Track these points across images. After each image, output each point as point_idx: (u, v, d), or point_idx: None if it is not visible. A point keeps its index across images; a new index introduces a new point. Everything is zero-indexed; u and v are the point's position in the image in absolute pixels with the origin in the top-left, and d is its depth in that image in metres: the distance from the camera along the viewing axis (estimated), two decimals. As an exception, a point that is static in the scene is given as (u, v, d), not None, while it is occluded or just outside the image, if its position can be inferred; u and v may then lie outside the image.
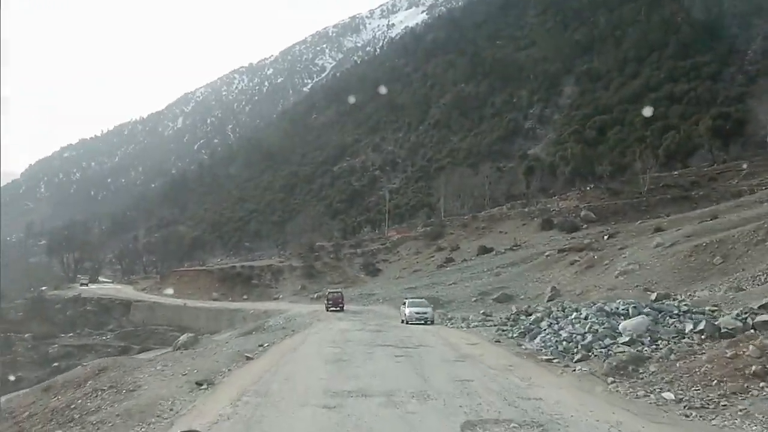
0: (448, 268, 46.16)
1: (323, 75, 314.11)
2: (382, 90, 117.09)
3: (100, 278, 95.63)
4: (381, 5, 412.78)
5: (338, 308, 38.33)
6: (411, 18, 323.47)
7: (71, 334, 54.32)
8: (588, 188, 57.89)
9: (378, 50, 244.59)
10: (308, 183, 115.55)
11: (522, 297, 31.30)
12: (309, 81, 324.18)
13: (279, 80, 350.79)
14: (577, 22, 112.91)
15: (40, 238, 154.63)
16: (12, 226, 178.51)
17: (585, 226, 47.16)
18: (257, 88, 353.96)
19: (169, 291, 63.88)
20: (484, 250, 48.36)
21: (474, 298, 33.03)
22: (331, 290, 42.45)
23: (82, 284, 79.38)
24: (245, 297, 57.20)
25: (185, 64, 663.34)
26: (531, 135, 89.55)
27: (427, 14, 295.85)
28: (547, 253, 37.96)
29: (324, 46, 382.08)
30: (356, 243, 71.67)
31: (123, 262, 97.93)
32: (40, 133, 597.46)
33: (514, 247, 46.33)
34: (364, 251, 66.27)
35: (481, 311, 27.39)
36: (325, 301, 40.99)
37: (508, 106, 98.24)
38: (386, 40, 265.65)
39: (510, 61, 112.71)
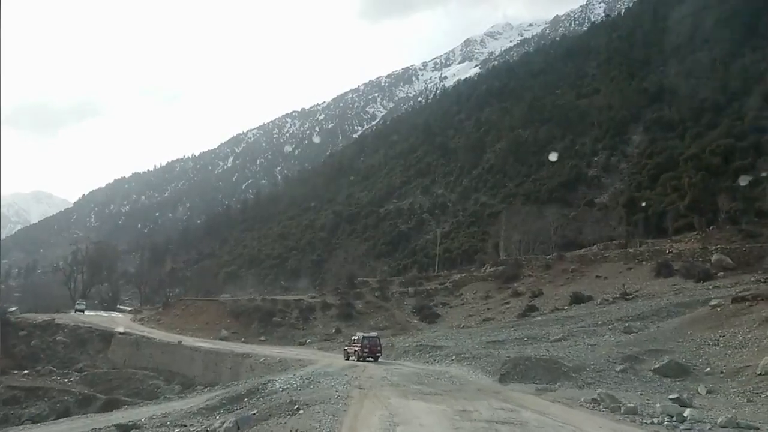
0: (536, 318, 36.93)
1: (374, 123, 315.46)
2: (434, 134, 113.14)
3: (120, 306, 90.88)
4: (434, 58, 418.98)
5: (373, 358, 31.22)
6: (463, 71, 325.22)
7: (27, 371, 42.00)
8: (710, 228, 48.39)
9: (430, 99, 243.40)
10: (351, 223, 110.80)
11: (706, 369, 20.69)
12: (359, 128, 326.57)
13: (330, 126, 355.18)
14: (644, 71, 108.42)
15: (83, 266, 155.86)
16: (60, 253, 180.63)
17: (720, 274, 37.68)
18: (308, 132, 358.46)
19: (167, 321, 55.41)
20: (579, 299, 39.85)
21: (619, 366, 21.89)
22: (365, 334, 33.12)
23: (77, 310, 71.88)
24: (263, 338, 47.53)
25: (240, 105, 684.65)
26: (595, 183, 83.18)
27: (480, 68, 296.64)
28: (713, 303, 27.33)
29: (376, 94, 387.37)
30: (408, 281, 60.95)
31: (143, 291, 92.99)
32: (97, 165, 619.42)
33: (626, 296, 37.15)
34: (418, 291, 56.05)
35: (670, 396, 16.74)
36: (353, 348, 32.59)
37: (570, 153, 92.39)
38: (438, 91, 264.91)
39: (571, 108, 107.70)
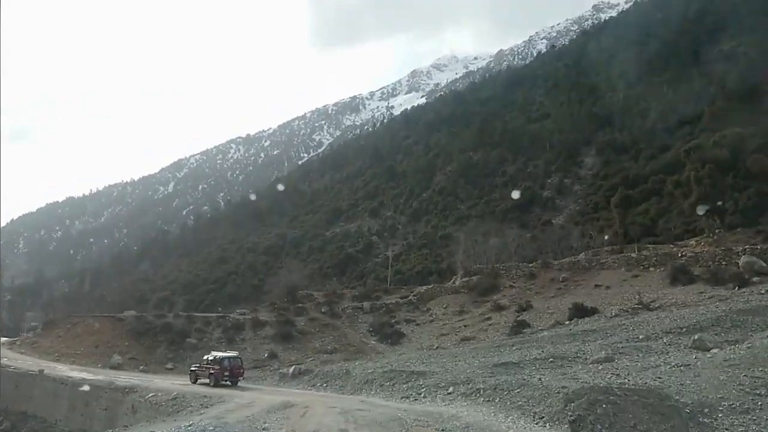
0: (543, 334, 29.59)
1: (320, 150, 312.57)
2: (382, 157, 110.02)
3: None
4: (381, 88, 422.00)
5: (232, 382, 27.71)
6: (410, 101, 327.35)
7: None
8: (717, 231, 43.26)
9: (377, 126, 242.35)
10: (296, 247, 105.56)
11: None
12: (305, 155, 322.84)
13: (275, 152, 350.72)
14: (593, 97, 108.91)
15: (6, 293, 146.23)
16: None
17: (755, 279, 32.05)
18: (252, 158, 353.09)
19: (45, 345, 42.89)
20: (582, 311, 33.04)
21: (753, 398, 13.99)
22: (224, 354, 29.37)
23: None
24: (170, 365, 37.22)
25: (183, 130, 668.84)
26: (550, 205, 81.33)
27: (426, 98, 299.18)
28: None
29: (323, 122, 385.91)
30: (362, 295, 51.58)
31: (49, 315, 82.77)
32: (27, 189, 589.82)
33: (648, 307, 31.24)
34: (375, 306, 47.66)
35: None
36: (207, 371, 28.44)
37: (523, 175, 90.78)
38: (385, 119, 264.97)
39: (521, 133, 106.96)
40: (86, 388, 29.69)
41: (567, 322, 32.33)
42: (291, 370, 29.75)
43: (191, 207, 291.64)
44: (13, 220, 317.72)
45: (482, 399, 17.39)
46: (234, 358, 29.27)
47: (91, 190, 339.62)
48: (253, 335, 41.39)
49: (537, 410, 15.02)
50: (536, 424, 14.40)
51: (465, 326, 39.59)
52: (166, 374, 34.52)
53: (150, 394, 26.30)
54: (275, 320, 43.09)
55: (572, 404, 13.91)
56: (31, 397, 33.22)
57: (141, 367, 36.66)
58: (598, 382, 16.21)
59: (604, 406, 13.45)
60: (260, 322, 42.63)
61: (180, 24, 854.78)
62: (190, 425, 15.99)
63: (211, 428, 15.96)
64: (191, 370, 30.45)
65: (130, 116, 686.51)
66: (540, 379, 17.70)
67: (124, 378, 31.05)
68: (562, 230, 60.15)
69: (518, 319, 36.08)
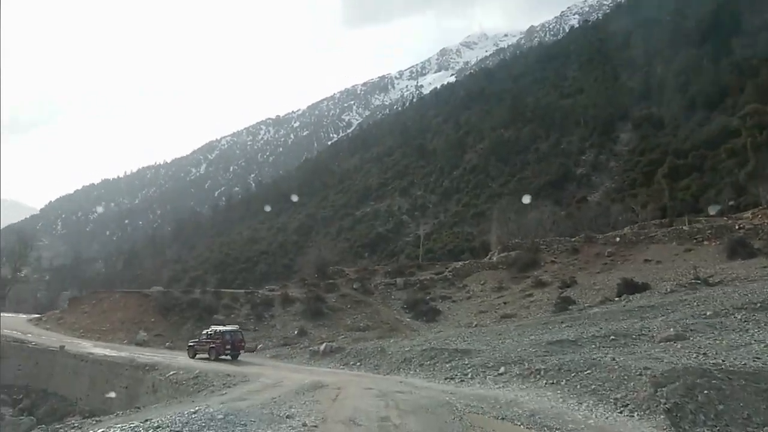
0: (594, 311, 27.06)
1: (349, 130, 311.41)
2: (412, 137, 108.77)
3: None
4: (410, 67, 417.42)
5: (232, 356, 27.70)
6: (439, 80, 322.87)
7: None
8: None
9: (407, 105, 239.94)
10: (326, 226, 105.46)
11: None
12: (335, 135, 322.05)
13: (304, 133, 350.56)
14: (628, 71, 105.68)
15: (45, 273, 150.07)
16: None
17: None
18: (282, 140, 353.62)
19: (70, 321, 42.48)
20: (633, 287, 30.77)
21: None
22: (225, 328, 29.63)
23: None
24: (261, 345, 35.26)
25: (214, 112, 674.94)
26: (585, 181, 79.38)
27: (456, 77, 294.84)
28: None
29: (351, 102, 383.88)
30: (396, 270, 49.69)
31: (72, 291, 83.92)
32: (65, 172, 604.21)
33: (702, 283, 29.34)
34: (409, 282, 45.64)
35: None
36: (207, 345, 28.50)
37: (556, 152, 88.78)
38: (414, 99, 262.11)
39: (554, 108, 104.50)
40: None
41: (617, 299, 30.56)
42: (322, 347, 28.60)
43: (223, 188, 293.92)
44: (51, 202, 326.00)
45: (544, 381, 15.35)
46: (235, 332, 29.22)
47: (125, 172, 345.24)
48: (283, 312, 40.04)
49: (617, 396, 12.94)
50: (620, 413, 12.14)
51: (505, 303, 37.94)
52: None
53: (171, 372, 25.29)
54: (305, 296, 41.63)
55: (664, 390, 11.80)
56: (51, 375, 32.15)
57: (167, 343, 35.88)
58: (689, 363, 13.96)
59: (705, 392, 11.54)
60: (290, 299, 41.36)
61: (212, 3, 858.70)
62: (195, 412, 14.15)
63: (221, 416, 13.53)
64: (189, 345, 30.32)
65: (162, 101, 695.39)
66: (614, 359, 15.54)
67: (147, 355, 30.27)
68: (599, 207, 58.55)
69: (562, 295, 34.31)
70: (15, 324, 45.49)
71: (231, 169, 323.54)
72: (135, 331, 37.95)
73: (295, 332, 36.47)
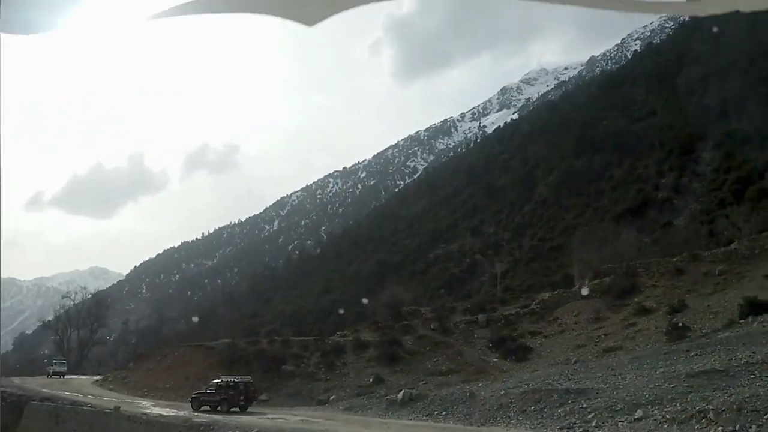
0: (723, 335, 23.81)
1: (415, 176, 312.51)
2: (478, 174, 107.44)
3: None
4: (472, 109, 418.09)
5: (240, 408, 27.33)
6: (501, 119, 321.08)
7: None
8: None
9: (471, 146, 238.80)
10: (398, 271, 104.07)
11: None
12: (401, 182, 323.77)
13: (371, 182, 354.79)
14: (702, 87, 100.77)
15: (131, 336, 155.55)
16: (113, 326, 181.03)
17: None
18: (350, 190, 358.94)
19: (134, 379, 41.01)
20: (758, 307, 26.80)
21: None
22: (236, 378, 28.97)
23: (54, 373, 55.72)
24: (264, 397, 33.31)
25: (284, 170, 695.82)
26: (667, 206, 74.97)
27: (518, 114, 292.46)
28: None
29: (416, 148, 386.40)
30: (476, 306, 46.43)
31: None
32: (148, 239, 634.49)
33: None
34: (492, 318, 42.56)
35: None
36: (218, 396, 28.22)
37: (632, 177, 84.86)
38: (478, 140, 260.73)
39: (625, 133, 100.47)
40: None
41: (741, 321, 27.11)
42: (400, 395, 25.91)
43: (296, 242, 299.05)
44: (136, 266, 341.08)
45: (720, 429, 11.61)
46: (248, 382, 29.01)
47: (203, 234, 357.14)
48: (356, 358, 37.56)
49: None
50: None
51: (605, 335, 34.63)
52: (261, 407, 31.45)
53: None
54: (379, 340, 39.01)
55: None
56: None
57: (260, 398, 33.55)
58: None
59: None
60: (362, 344, 38.87)
61: (284, 68, 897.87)
62: None
63: None
64: (193, 397, 29.62)
65: (239, 162, 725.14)
66: (697, 390, 12.97)
67: (205, 415, 28.44)
68: (687, 230, 54.67)
69: (673, 321, 30.94)
70: (79, 386, 45.16)
71: (302, 223, 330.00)
72: (199, 387, 35.91)
73: (370, 380, 34.11)
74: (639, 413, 13.72)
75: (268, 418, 25.63)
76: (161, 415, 28.85)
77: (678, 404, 13.59)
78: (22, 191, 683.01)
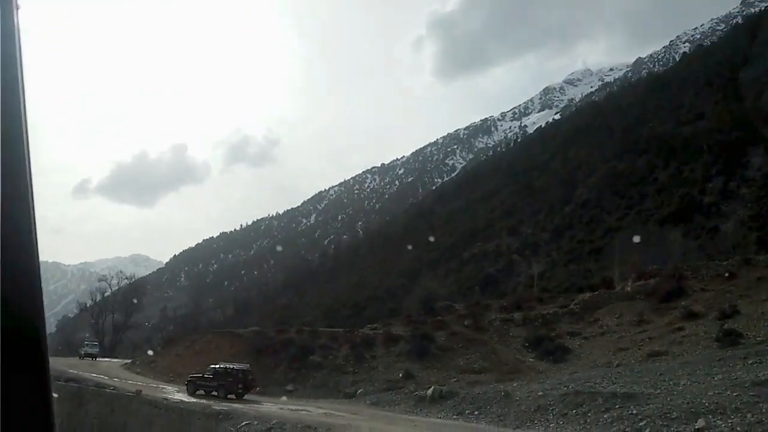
0: (766, 347, 22.75)
1: (453, 174, 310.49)
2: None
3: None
4: (513, 108, 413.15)
5: (236, 395, 27.50)
6: (543, 119, 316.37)
7: None
8: None
9: (511, 146, 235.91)
10: (433, 269, 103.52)
11: None
12: (439, 180, 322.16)
13: (409, 179, 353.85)
14: (754, 91, 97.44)
15: (170, 323, 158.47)
16: (151, 312, 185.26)
17: None
18: (387, 187, 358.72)
19: (163, 364, 41.18)
20: None
21: None
22: (235, 366, 29.25)
23: (85, 354, 55.53)
24: (290, 387, 32.89)
25: (322, 165, 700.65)
26: (714, 211, 72.62)
27: (560, 115, 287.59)
28: None
29: (455, 146, 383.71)
30: (512, 304, 45.17)
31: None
32: (189, 228, 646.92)
33: None
34: (529, 318, 41.13)
35: None
36: (216, 382, 28.54)
37: (677, 181, 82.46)
38: (518, 139, 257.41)
39: (671, 136, 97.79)
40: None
41: None
42: (430, 391, 25.12)
43: (332, 236, 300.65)
44: (176, 255, 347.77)
45: None
46: (247, 370, 29.18)
47: (241, 225, 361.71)
48: (386, 352, 36.58)
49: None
50: None
51: (649, 338, 32.78)
52: (280, 397, 30.99)
53: (244, 423, 22.36)
54: (410, 335, 37.97)
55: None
56: (125, 423, 29.66)
57: (257, 388, 33.33)
58: None
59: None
60: (393, 337, 37.88)
61: (325, 64, 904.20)
62: None
63: None
64: (189, 380, 29.85)
65: (278, 156, 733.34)
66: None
67: (224, 402, 28.06)
68: (735, 235, 52.82)
69: (725, 327, 29.52)
70: (106, 368, 45.44)
71: (339, 217, 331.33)
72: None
73: (400, 375, 33.12)
74: (701, 423, 12.59)
75: (290, 409, 25.03)
76: (182, 401, 28.81)
77: (749, 414, 12.31)
78: (69, 178, 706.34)
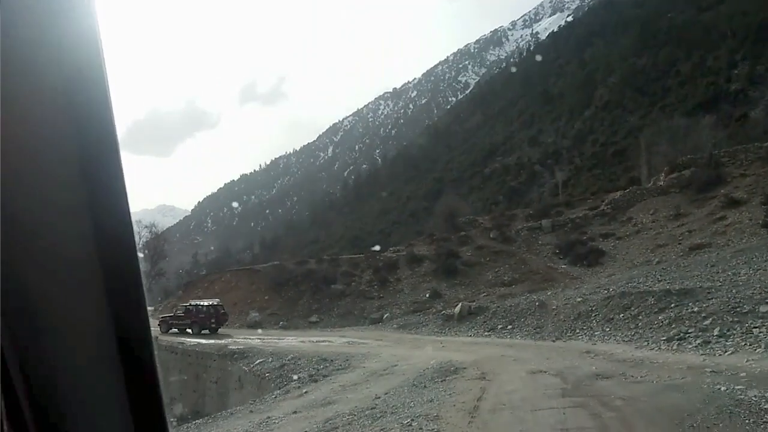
0: None
1: (467, 91, 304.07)
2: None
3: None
4: (523, 16, 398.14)
5: (210, 330, 27.99)
6: (555, 23, 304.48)
7: None
8: None
9: (524, 55, 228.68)
10: (455, 187, 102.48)
11: None
12: (453, 98, 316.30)
13: (423, 101, 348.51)
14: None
15: (203, 268, 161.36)
16: (183, 259, 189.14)
17: None
18: (402, 111, 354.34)
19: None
20: None
21: None
22: (206, 302, 30.13)
23: None
24: (314, 318, 32.46)
25: (333, 96, 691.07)
26: (741, 98, 69.83)
27: (573, 17, 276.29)
28: None
29: (466, 62, 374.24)
30: (539, 211, 43.35)
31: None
32: (209, 173, 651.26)
33: None
34: (558, 223, 38.95)
35: None
36: (188, 319, 29.14)
37: (702, 71, 79.10)
38: (531, 48, 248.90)
39: (692, 25, 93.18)
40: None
41: None
42: (458, 309, 23.62)
43: (351, 167, 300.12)
44: (200, 202, 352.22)
45: None
46: (218, 305, 29.62)
47: (260, 165, 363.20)
48: (410, 273, 35.70)
49: None
50: None
51: (689, 232, 31.18)
52: (305, 329, 30.62)
53: (258, 361, 21.33)
54: (435, 253, 36.63)
55: None
56: None
57: (281, 322, 32.91)
58: None
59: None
60: (417, 258, 36.90)
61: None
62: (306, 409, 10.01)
63: (353, 411, 9.23)
64: (161, 320, 30.18)
65: (288, 92, 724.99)
66: None
67: (241, 340, 27.45)
68: (766, 120, 50.46)
69: None
70: None
71: (356, 147, 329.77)
72: (247, 312, 35.53)
73: (426, 295, 32.28)
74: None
75: (312, 341, 24.38)
76: (198, 343, 28.62)
77: None
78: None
